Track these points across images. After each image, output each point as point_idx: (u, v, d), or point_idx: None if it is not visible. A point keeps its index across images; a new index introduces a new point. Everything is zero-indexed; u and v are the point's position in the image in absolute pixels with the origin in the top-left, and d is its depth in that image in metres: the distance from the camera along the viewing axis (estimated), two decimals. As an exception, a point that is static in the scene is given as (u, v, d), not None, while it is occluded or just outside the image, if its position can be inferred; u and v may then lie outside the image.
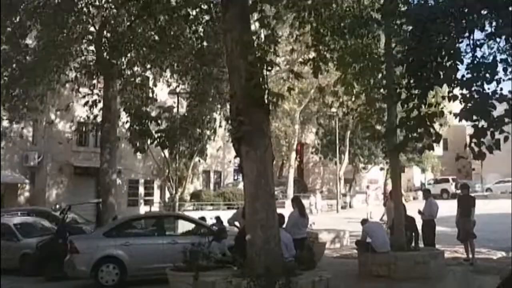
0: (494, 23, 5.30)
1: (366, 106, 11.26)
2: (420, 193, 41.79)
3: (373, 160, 39.64)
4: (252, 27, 8.22)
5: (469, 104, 5.15)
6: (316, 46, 11.05)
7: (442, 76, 5.38)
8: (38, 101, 17.88)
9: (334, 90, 13.49)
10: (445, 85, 5.60)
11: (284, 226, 8.96)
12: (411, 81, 5.71)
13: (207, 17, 13.86)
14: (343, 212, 33.40)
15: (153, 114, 21.23)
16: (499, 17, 5.12)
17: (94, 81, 17.79)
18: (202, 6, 13.30)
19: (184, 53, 15.21)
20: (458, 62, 5.33)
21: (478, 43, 5.33)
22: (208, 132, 26.15)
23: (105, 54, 15.80)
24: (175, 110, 24.88)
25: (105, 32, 16.25)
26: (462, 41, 5.53)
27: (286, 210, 14.63)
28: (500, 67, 5.33)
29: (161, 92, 22.90)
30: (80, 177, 27.22)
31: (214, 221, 13.96)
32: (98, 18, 16.44)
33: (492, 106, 5.13)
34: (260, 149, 6.96)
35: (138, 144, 20.08)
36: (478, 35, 5.34)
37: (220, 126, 27.71)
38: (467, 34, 5.32)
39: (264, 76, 7.13)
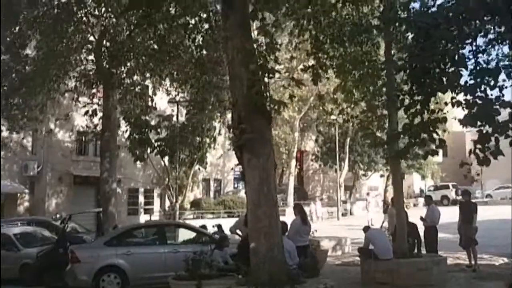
0: (497, 29, 5.32)
1: (367, 113, 11.26)
2: (420, 200, 41.89)
3: (373, 167, 39.64)
4: (253, 35, 8.25)
5: (473, 110, 5.14)
6: (315, 54, 11.08)
7: (445, 83, 5.38)
8: (38, 110, 17.89)
9: (333, 97, 13.51)
10: (447, 91, 5.61)
11: (286, 233, 8.92)
12: (414, 87, 5.71)
13: (206, 26, 13.91)
14: (343, 219, 33.32)
15: (153, 122, 21.29)
16: (502, 23, 5.14)
17: (94, 90, 17.82)
18: (202, 15, 13.34)
19: (184, 62, 15.25)
20: (461, 68, 5.33)
21: (481, 49, 5.34)
22: (207, 140, 26.15)
23: (104, 63, 15.85)
24: (174, 118, 24.90)
25: (104, 41, 16.31)
26: (465, 47, 5.55)
27: (287, 217, 14.60)
28: (503, 73, 5.34)
29: (161, 101, 22.97)
30: (80, 186, 27.15)
31: (215, 229, 13.90)
32: (97, 28, 16.51)
33: (496, 111, 5.13)
34: (262, 157, 6.95)
35: (138, 153, 20.13)
36: (480, 41, 5.40)
37: (219, 134, 27.75)
38: (469, 41, 5.33)
39: (266, 83, 7.14)
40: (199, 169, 29.87)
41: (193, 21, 13.86)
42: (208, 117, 23.25)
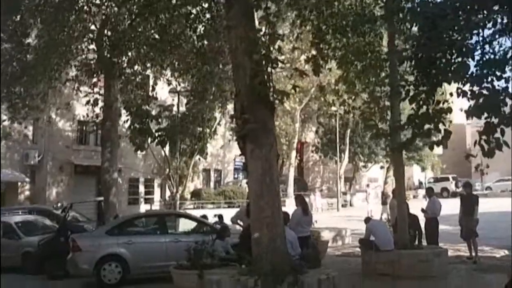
0: (505, 20, 5.26)
1: (369, 104, 11.23)
2: (420, 192, 41.95)
3: (373, 159, 39.68)
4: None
5: (480, 100, 5.10)
6: (317, 45, 11.02)
7: (451, 73, 5.34)
8: (39, 99, 17.85)
9: (335, 88, 13.46)
10: (452, 82, 5.56)
11: (288, 224, 8.93)
12: (419, 77, 5.67)
13: (208, 16, 13.83)
14: (343, 210, 33.42)
15: (154, 112, 21.26)
16: (511, 13, 5.09)
17: (95, 80, 17.76)
18: (203, 4, 13.26)
19: (185, 52, 15.18)
20: (468, 59, 5.29)
21: (488, 40, 5.29)
22: (208, 131, 26.15)
23: (105, 52, 15.78)
24: (175, 108, 24.87)
25: (106, 30, 16.23)
26: (472, 38, 5.50)
27: (287, 208, 14.60)
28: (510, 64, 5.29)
29: (162, 91, 22.88)
30: (80, 176, 27.19)
31: (216, 219, 13.94)
32: (99, 17, 16.42)
33: (503, 102, 5.09)
34: (265, 147, 6.92)
35: (138, 143, 20.14)
36: (487, 31, 5.34)
37: (219, 124, 27.73)
38: (476, 31, 5.28)
39: (269, 73, 7.09)
40: (199, 159, 29.89)
41: (194, 11, 13.79)
42: (208, 107, 23.22)
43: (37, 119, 24.38)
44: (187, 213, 15.44)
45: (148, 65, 16.99)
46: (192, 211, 24.10)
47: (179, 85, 21.59)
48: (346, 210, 33.34)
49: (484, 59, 5.22)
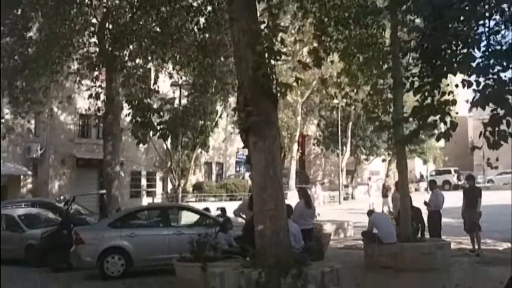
0: (512, 10, 5.21)
1: (372, 97, 11.18)
2: (422, 185, 41.96)
3: (375, 152, 39.67)
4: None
5: (487, 91, 5.04)
6: (319, 37, 10.97)
7: (457, 64, 5.29)
8: (42, 93, 17.82)
9: (337, 81, 13.41)
10: (457, 73, 5.51)
11: (291, 217, 8.93)
12: (424, 69, 5.62)
13: (209, 8, 13.76)
14: (345, 203, 33.45)
15: (155, 106, 21.20)
16: (517, 3, 5.03)
17: (96, 73, 17.71)
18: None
19: (186, 45, 15.12)
20: (474, 50, 5.24)
21: (493, 30, 5.23)
22: (209, 124, 26.11)
23: (107, 46, 15.72)
24: (177, 101, 24.81)
25: (107, 24, 16.16)
26: (478, 28, 5.43)
27: (289, 201, 14.57)
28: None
29: (163, 84, 22.83)
30: (82, 169, 27.23)
31: (219, 212, 13.94)
32: (100, 10, 16.34)
33: (509, 93, 5.04)
34: (268, 140, 6.91)
35: (140, 136, 20.09)
36: (493, 22, 5.28)
37: (220, 117, 27.68)
38: (482, 22, 5.22)
39: (272, 66, 7.06)
40: (201, 152, 29.89)
41: (195, 4, 13.71)
42: (210, 100, 23.15)
43: (39, 113, 24.36)
44: (189, 206, 15.43)
45: (150, 58, 16.92)
46: (194, 204, 24.10)
47: (181, 78, 21.52)
48: (347, 203, 33.37)
49: (490, 49, 5.17)
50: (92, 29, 16.44)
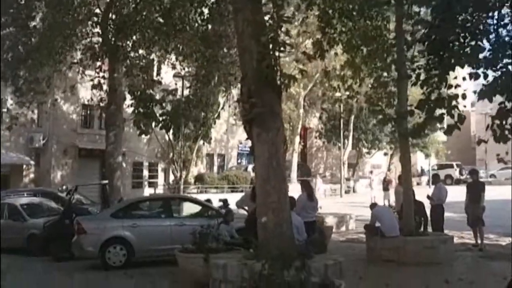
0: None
1: (376, 89, 11.11)
2: (423, 179, 41.91)
3: (377, 145, 39.60)
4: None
5: (496, 83, 4.97)
6: (323, 29, 10.88)
7: (464, 56, 5.22)
8: (45, 83, 17.78)
9: (340, 74, 13.32)
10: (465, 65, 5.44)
11: (294, 209, 8.91)
12: (431, 61, 5.55)
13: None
14: (346, 196, 33.42)
15: (158, 96, 21.15)
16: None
17: (99, 63, 17.66)
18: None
19: (189, 36, 15.05)
20: (483, 41, 5.17)
21: (502, 22, 5.16)
22: (211, 115, 26.07)
23: (110, 36, 15.65)
24: (179, 92, 24.77)
25: (110, 14, 16.07)
26: (487, 20, 5.36)
27: (290, 194, 14.58)
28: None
29: (166, 75, 22.79)
30: (84, 159, 27.27)
31: (221, 204, 13.93)
32: (103, 0, 16.25)
33: (519, 85, 4.97)
34: (272, 131, 6.87)
35: (142, 127, 20.05)
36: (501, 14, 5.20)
37: (223, 109, 27.61)
38: (491, 13, 5.15)
39: (276, 57, 7.00)
40: (203, 144, 29.89)
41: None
42: (212, 92, 23.08)
43: (42, 103, 24.36)
44: (192, 197, 15.45)
45: (153, 49, 16.85)
46: (196, 195, 24.14)
47: (184, 69, 21.46)
48: (349, 196, 33.36)
49: (499, 42, 5.10)
50: (96, 19, 16.35)
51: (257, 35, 6.91)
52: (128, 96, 17.78)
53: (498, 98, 5.28)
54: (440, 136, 42.17)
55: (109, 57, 16.09)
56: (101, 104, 18.60)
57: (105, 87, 16.88)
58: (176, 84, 25.61)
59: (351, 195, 34.51)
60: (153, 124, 20.44)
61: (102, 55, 16.27)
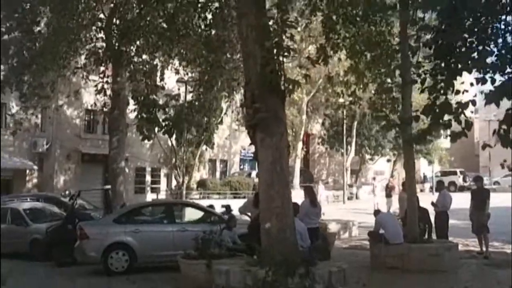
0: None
1: (380, 95, 11.07)
2: (426, 185, 41.73)
3: (380, 152, 39.48)
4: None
5: (506, 87, 4.90)
6: (327, 34, 10.87)
7: (472, 61, 5.18)
8: (49, 88, 17.81)
9: (344, 79, 13.29)
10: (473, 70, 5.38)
11: (297, 215, 8.85)
12: (437, 66, 5.50)
13: (216, 4, 13.68)
14: (349, 203, 33.32)
15: (161, 102, 21.16)
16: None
17: (103, 68, 17.70)
18: (212, -7, 13.14)
19: (193, 41, 15.05)
20: (490, 46, 5.12)
21: (510, 27, 5.11)
22: (214, 120, 26.05)
23: (114, 41, 15.69)
24: (182, 97, 24.77)
25: (114, 19, 16.13)
26: (494, 24, 5.31)
27: (293, 200, 14.53)
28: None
29: (169, 80, 22.80)
30: (87, 164, 27.26)
31: (223, 209, 13.87)
32: (107, 5, 16.31)
33: (526, 89, 4.91)
34: (275, 136, 6.85)
35: (145, 132, 20.06)
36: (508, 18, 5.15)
37: (225, 114, 27.60)
38: (498, 18, 5.11)
39: (280, 62, 6.99)
40: (206, 149, 29.85)
41: (202, 0, 13.63)
42: (214, 97, 23.07)
43: (46, 108, 24.41)
44: (194, 203, 15.39)
45: (156, 54, 16.88)
46: (198, 201, 24.07)
47: (187, 74, 21.48)
48: (352, 203, 33.24)
49: (507, 46, 5.05)
50: (100, 24, 16.40)
51: (261, 40, 6.90)
52: (131, 101, 17.82)
53: (505, 104, 5.23)
54: (443, 142, 42.07)
55: (113, 62, 16.13)
56: (105, 109, 18.63)
57: (108, 92, 16.89)
58: (179, 89, 25.62)
59: (353, 202, 34.39)
60: (156, 129, 20.49)
61: (106, 60, 16.31)
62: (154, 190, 30.29)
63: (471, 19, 5.15)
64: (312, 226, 9.34)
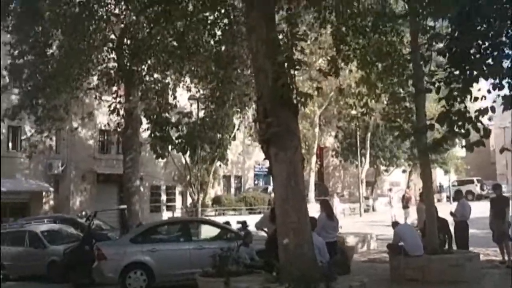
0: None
1: (394, 105, 10.97)
2: (443, 195, 41.15)
3: (395, 162, 39.10)
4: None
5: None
6: (337, 46, 10.85)
7: (487, 67, 5.09)
8: (63, 110, 18.02)
9: (355, 91, 13.22)
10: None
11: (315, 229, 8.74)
12: (451, 74, 5.43)
13: (225, 21, 13.77)
14: (366, 215, 32.94)
15: (173, 119, 21.27)
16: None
17: (115, 88, 17.87)
18: (221, 10, 13.22)
19: (203, 58, 15.15)
20: (504, 51, 5.04)
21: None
22: (227, 137, 26.07)
23: (125, 61, 15.85)
24: (194, 115, 24.85)
25: (125, 39, 16.32)
26: (508, 29, 5.24)
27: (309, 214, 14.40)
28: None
29: (181, 98, 22.93)
30: (103, 184, 27.39)
31: (239, 226, 13.78)
32: (118, 26, 16.51)
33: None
34: (289, 150, 6.80)
35: (159, 150, 20.16)
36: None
37: (238, 130, 27.61)
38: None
39: (292, 75, 6.97)
40: (220, 165, 29.83)
41: (212, 17, 13.74)
42: (226, 113, 23.12)
43: (60, 129, 24.68)
44: (210, 220, 15.34)
45: (167, 72, 17.01)
46: (214, 217, 24.02)
47: (199, 91, 21.59)
48: (368, 215, 32.87)
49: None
50: (111, 45, 16.62)
51: (272, 54, 6.90)
52: (144, 120, 17.95)
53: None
54: (458, 151, 41.56)
55: (125, 82, 16.30)
56: (118, 129, 18.77)
57: (121, 112, 17.04)
58: (191, 105, 25.74)
59: (370, 214, 34.00)
60: (170, 147, 20.58)
61: (118, 80, 16.49)
62: (170, 208, 30.30)
63: (484, 25, 5.09)
64: (329, 240, 9.21)
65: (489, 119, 7.49)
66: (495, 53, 5.08)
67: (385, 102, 11.96)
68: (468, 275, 9.44)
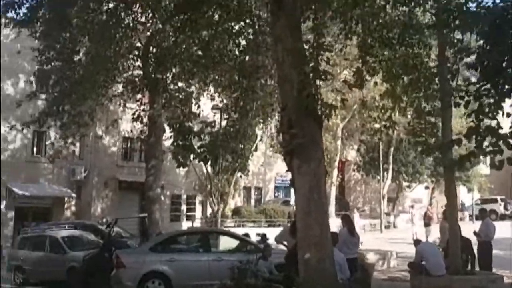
0: None
1: (419, 120, 10.75)
2: (466, 214, 40.19)
3: (418, 179, 38.41)
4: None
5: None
6: (363, 57, 10.71)
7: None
8: (88, 117, 18.22)
9: (380, 104, 13.02)
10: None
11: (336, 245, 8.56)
12: (482, 87, 5.25)
13: (250, 30, 13.79)
14: (386, 232, 32.37)
15: (196, 128, 21.33)
16: None
17: (140, 96, 18.02)
18: (246, 20, 13.24)
19: (227, 67, 15.18)
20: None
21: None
22: (249, 147, 26.00)
23: (151, 69, 15.98)
24: (217, 124, 24.88)
25: (151, 47, 16.47)
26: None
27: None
28: None
29: (204, 107, 23.03)
30: (124, 191, 27.54)
31: (258, 238, 13.65)
32: (144, 34, 16.69)
33: None
34: (313, 162, 6.68)
35: (181, 159, 20.21)
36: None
37: (260, 140, 27.50)
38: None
39: (317, 86, 6.88)
40: (241, 176, 29.75)
41: (237, 27, 13.78)
42: (249, 123, 23.08)
43: (84, 136, 25.00)
44: (230, 231, 15.23)
45: (192, 81, 17.08)
46: (233, 229, 23.90)
47: (222, 101, 21.64)
48: (389, 232, 32.28)
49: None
50: (137, 52, 16.80)
51: (297, 64, 6.83)
52: (167, 128, 18.03)
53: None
54: (482, 169, 40.65)
55: (150, 90, 16.41)
56: (142, 137, 18.87)
57: (145, 119, 17.14)
58: (214, 115, 25.79)
59: (391, 231, 33.39)
60: (191, 156, 20.61)
61: (142, 88, 16.61)
62: (189, 218, 30.27)
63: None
64: (350, 256, 9.02)
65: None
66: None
67: (410, 116, 11.74)
68: (492, 297, 9.12)
